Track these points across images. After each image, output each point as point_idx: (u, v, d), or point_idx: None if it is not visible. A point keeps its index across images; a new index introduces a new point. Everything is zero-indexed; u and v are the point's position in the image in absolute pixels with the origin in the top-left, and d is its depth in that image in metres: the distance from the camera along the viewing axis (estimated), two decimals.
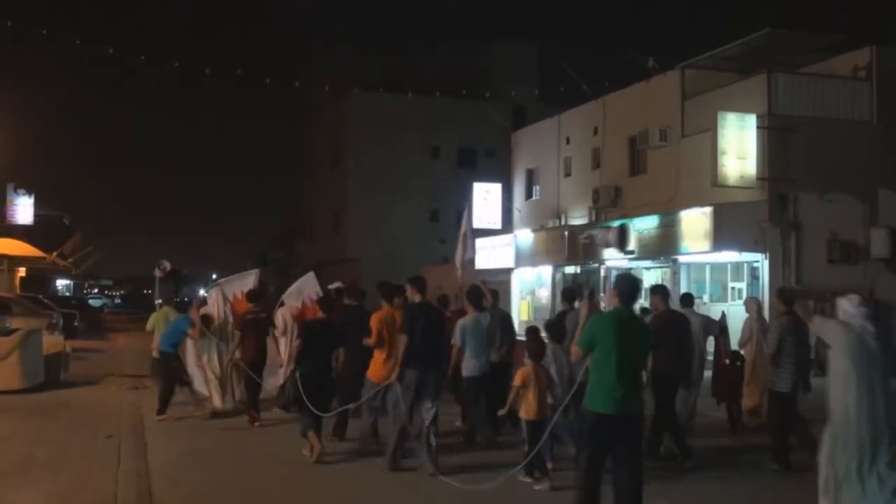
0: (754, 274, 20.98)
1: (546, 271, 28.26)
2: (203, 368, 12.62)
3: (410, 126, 44.29)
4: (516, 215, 34.08)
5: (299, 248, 60.06)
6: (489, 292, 10.78)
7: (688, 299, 12.01)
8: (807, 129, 20.68)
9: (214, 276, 72.07)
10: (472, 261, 15.86)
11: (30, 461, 8.91)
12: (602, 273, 25.40)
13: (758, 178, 20.82)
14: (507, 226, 33.85)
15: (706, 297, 21.82)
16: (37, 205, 39.67)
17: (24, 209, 38.55)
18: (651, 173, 25.75)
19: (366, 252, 42.69)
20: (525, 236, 29.66)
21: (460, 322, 9.94)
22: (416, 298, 8.92)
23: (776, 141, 20.72)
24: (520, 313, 28.95)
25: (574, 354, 7.01)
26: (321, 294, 12.57)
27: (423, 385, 8.60)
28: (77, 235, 44.11)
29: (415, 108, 43.53)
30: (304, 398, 9.11)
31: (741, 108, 21.30)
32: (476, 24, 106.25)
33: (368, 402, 9.57)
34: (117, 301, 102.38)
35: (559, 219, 30.37)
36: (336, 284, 13.22)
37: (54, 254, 31.95)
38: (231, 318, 12.83)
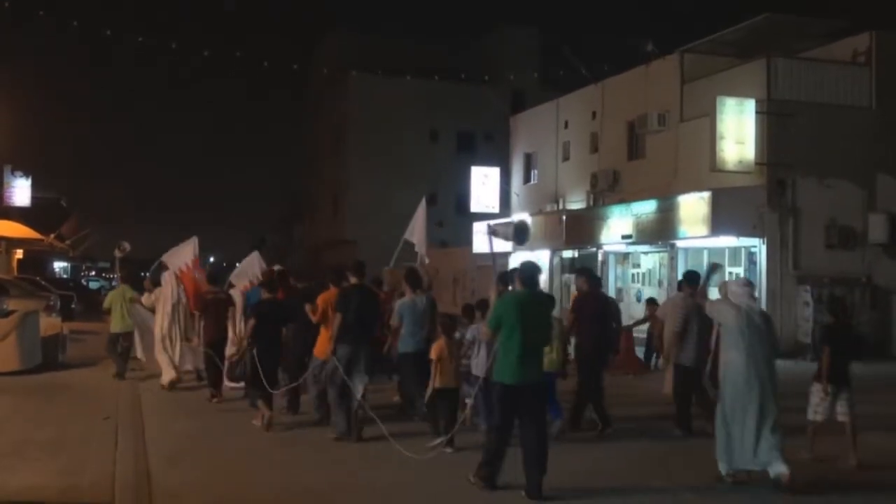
0: (752, 259, 21.00)
1: (544, 255, 28.27)
2: (164, 342, 13.24)
3: (409, 110, 44.18)
4: (514, 199, 34.08)
5: (299, 231, 60.01)
6: (427, 278, 11.30)
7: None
8: (806, 115, 20.67)
9: (211, 259, 71.95)
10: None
11: (28, 442, 8.92)
12: (600, 257, 25.44)
13: (756, 163, 20.82)
14: (506, 210, 33.84)
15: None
16: (34, 187, 39.56)
17: (21, 191, 38.39)
18: (649, 158, 25.73)
19: (364, 235, 42.60)
20: None
21: (398, 302, 10.54)
22: (352, 281, 9.70)
23: (775, 126, 20.70)
24: None
25: (483, 334, 8.04)
26: (263, 274, 12.90)
27: (355, 360, 9.32)
28: (75, 218, 44.02)
29: (414, 91, 43.43)
30: (262, 375, 9.84)
31: (740, 93, 21.27)
32: (476, 8, 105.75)
33: (313, 376, 10.09)
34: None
35: (557, 203, 30.36)
36: (277, 267, 13.71)
37: (52, 236, 31.92)
38: (184, 298, 13.37)
